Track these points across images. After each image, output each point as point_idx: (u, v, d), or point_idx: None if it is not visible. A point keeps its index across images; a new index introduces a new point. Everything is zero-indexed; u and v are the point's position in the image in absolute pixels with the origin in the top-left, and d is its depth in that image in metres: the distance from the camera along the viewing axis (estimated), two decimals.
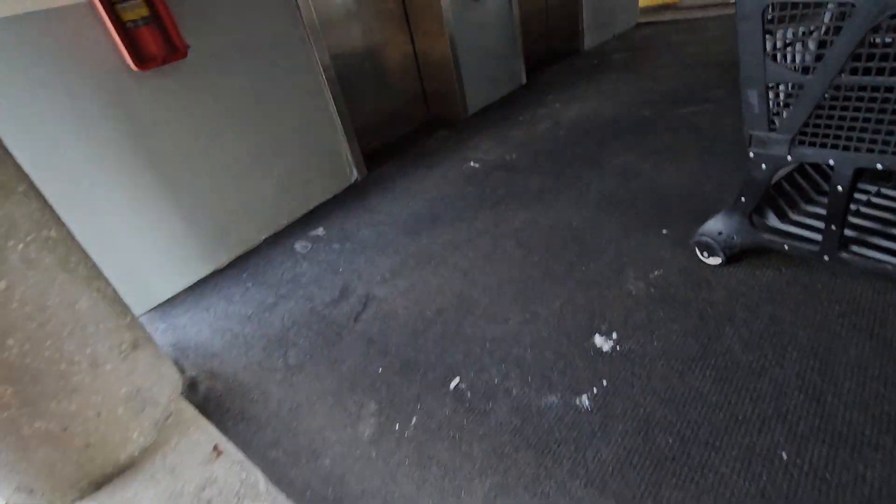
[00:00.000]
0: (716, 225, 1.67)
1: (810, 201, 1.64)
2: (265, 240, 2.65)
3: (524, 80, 4.43)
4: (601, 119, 3.29)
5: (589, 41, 5.21)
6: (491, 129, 3.54)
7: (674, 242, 1.93)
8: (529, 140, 3.21)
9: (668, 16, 6.22)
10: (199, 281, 2.40)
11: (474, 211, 2.50)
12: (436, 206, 2.63)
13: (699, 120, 2.92)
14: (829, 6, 1.16)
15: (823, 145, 1.28)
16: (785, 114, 1.31)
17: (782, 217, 1.60)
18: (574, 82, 4.22)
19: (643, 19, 6.20)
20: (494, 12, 3.91)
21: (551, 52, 5.24)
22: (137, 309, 2.24)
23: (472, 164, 3.04)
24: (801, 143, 1.32)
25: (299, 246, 2.53)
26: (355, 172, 3.07)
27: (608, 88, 3.86)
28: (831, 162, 1.28)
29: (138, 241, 2.18)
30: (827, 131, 1.26)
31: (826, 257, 1.45)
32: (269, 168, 2.62)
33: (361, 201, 2.86)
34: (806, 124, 1.28)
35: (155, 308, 2.26)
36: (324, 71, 2.73)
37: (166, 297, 2.31)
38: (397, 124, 3.79)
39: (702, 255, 1.77)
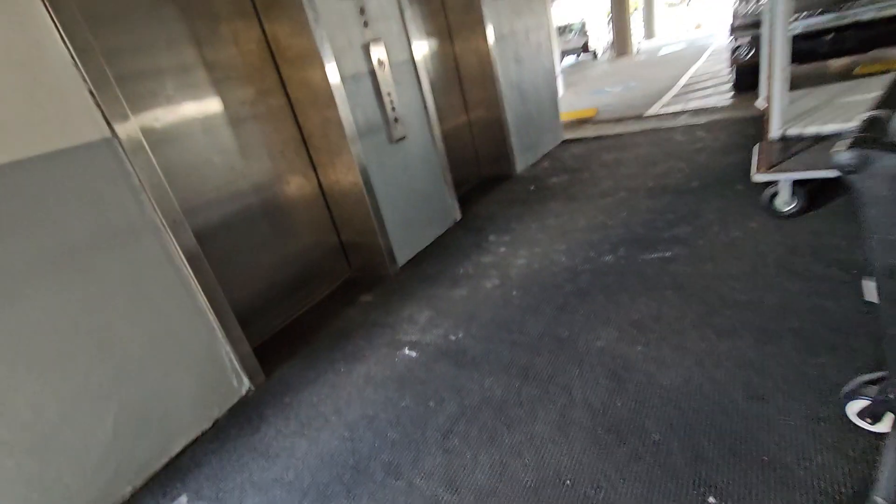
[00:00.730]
0: None
1: None
2: None
3: (458, 216, 3.91)
4: (557, 269, 2.73)
5: (520, 164, 4.92)
6: (427, 290, 2.87)
7: None
8: (476, 306, 2.55)
9: (589, 130, 6.22)
10: None
11: (415, 451, 1.71)
12: (359, 442, 1.81)
13: (677, 270, 2.40)
14: None
15: None
16: None
17: None
18: (515, 216, 3.74)
19: (567, 135, 6.16)
20: (416, 147, 3.45)
21: (483, 179, 4.88)
22: None
23: (406, 351, 2.30)
24: None
25: None
26: (245, 382, 2.21)
27: (555, 224, 3.39)
28: None
29: None
30: None
31: None
32: (102, 409, 1.73)
33: (251, 434, 1.98)
34: None
35: None
36: (187, 257, 1.98)
37: None
38: (311, 289, 3.04)
39: None
